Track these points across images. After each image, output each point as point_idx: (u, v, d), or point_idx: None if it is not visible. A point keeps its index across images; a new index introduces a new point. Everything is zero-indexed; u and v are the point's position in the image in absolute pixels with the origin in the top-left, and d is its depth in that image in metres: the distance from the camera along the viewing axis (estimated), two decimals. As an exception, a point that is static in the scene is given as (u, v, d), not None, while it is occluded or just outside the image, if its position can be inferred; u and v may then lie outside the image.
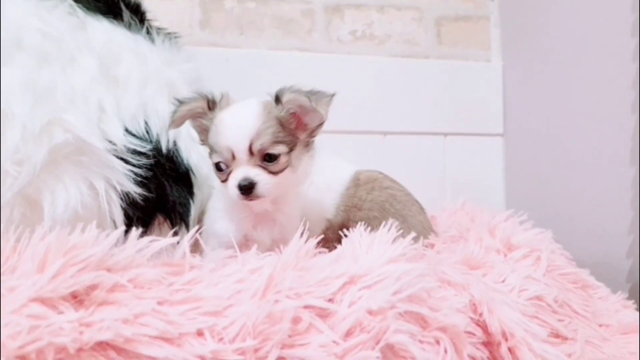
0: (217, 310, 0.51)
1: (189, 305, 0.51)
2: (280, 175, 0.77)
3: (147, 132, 0.85)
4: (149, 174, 0.81)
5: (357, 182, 0.97)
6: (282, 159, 0.76)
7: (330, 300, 0.53)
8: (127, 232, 0.64)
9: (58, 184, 0.68)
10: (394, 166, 1.63)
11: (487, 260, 0.75)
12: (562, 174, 1.50)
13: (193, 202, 0.89)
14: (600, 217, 1.35)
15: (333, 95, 0.79)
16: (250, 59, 1.54)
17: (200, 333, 0.49)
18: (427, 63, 1.70)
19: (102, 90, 0.82)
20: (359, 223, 0.74)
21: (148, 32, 1.04)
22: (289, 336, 0.49)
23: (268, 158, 0.75)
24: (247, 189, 0.74)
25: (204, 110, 0.81)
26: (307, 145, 0.83)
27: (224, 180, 0.77)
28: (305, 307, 0.52)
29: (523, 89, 1.69)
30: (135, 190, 0.77)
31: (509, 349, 0.59)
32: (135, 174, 0.78)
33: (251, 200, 0.75)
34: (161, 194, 0.84)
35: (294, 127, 0.79)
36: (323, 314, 0.52)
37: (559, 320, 0.69)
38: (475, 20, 1.75)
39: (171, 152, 0.88)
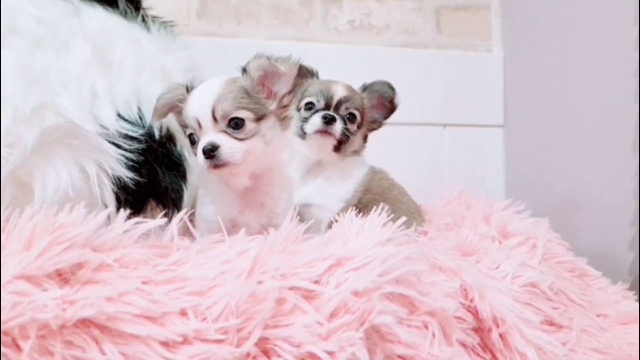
0: (201, 290, 0.50)
1: (173, 285, 0.51)
2: (247, 142, 0.76)
3: (140, 117, 0.85)
4: (141, 158, 0.80)
5: (374, 171, 1.08)
6: (249, 126, 0.77)
7: (316, 282, 0.53)
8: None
9: (49, 167, 0.68)
10: (392, 157, 1.61)
11: (481, 247, 0.74)
12: (563, 166, 1.48)
13: (186, 188, 0.89)
14: (602, 209, 1.34)
15: (298, 60, 0.83)
16: (247, 48, 1.51)
17: (183, 312, 0.48)
18: (426, 53, 1.69)
19: (95, 76, 0.82)
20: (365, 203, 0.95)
21: (144, 21, 1.03)
22: (273, 317, 0.49)
23: (233, 125, 0.76)
24: (210, 152, 0.74)
25: (184, 96, 0.81)
26: (283, 120, 0.83)
27: (196, 154, 0.78)
28: (291, 288, 0.52)
29: (524, 80, 1.67)
30: (127, 175, 0.77)
31: (500, 335, 0.59)
32: (127, 158, 0.77)
33: (219, 168, 0.75)
34: (153, 179, 0.83)
35: (263, 97, 0.80)
36: (309, 296, 0.52)
37: (554, 308, 0.68)
38: (475, 9, 1.73)
39: (164, 139, 0.88)
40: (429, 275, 0.61)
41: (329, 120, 0.97)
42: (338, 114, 0.99)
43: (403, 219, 0.65)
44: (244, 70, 0.82)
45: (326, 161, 1.03)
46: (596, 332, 0.69)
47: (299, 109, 1.02)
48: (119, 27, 0.95)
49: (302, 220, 0.98)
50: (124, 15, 1.00)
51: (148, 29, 1.03)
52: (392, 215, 0.67)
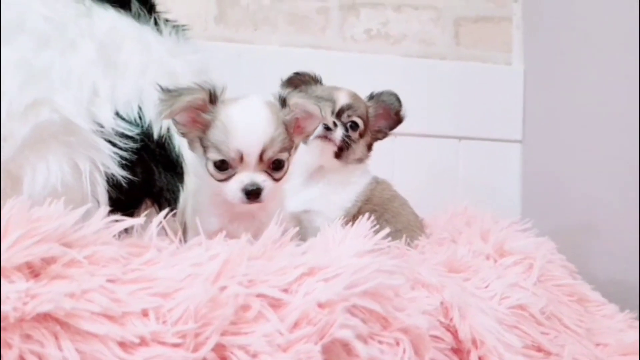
0: (167, 292, 0.50)
1: (139, 284, 0.50)
2: (281, 181, 0.77)
3: (140, 117, 0.86)
4: (137, 158, 0.80)
5: (377, 181, 1.07)
6: (285, 166, 0.77)
7: (285, 290, 0.51)
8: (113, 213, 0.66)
9: (40, 162, 0.69)
10: (405, 169, 1.61)
11: (473, 264, 0.71)
12: (582, 185, 1.42)
13: (182, 189, 0.89)
14: (620, 233, 1.28)
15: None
16: (263, 54, 1.54)
17: (145, 313, 0.48)
18: (444, 64, 1.66)
19: (98, 75, 0.83)
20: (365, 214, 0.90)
21: (156, 23, 1.05)
22: (235, 323, 0.48)
23: (275, 165, 0.75)
24: (255, 194, 0.73)
25: (205, 102, 0.77)
26: (297, 147, 0.83)
27: (223, 180, 0.76)
28: (259, 295, 0.51)
29: (544, 94, 1.62)
30: (120, 173, 0.77)
31: (479, 358, 0.56)
32: (122, 157, 0.78)
33: (251, 203, 0.74)
34: (149, 178, 0.84)
35: (292, 131, 0.79)
36: (276, 304, 0.51)
37: (544, 333, 0.65)
38: (496, 21, 1.70)
39: (163, 139, 0.88)
40: (409, 291, 0.59)
41: (328, 126, 0.96)
42: (340, 121, 0.99)
43: (387, 230, 0.63)
44: (284, 101, 0.78)
45: (327, 167, 1.02)
46: (589, 361, 0.65)
47: None
48: (128, 28, 0.96)
49: (301, 226, 0.98)
50: (137, 17, 1.01)
51: (160, 31, 1.05)
52: (377, 226, 0.65)
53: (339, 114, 0.99)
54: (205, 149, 0.78)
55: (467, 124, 1.67)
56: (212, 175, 0.78)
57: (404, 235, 0.93)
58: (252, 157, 0.73)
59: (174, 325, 0.46)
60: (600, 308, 0.85)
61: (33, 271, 0.51)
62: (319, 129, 0.95)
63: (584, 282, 0.91)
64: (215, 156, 0.75)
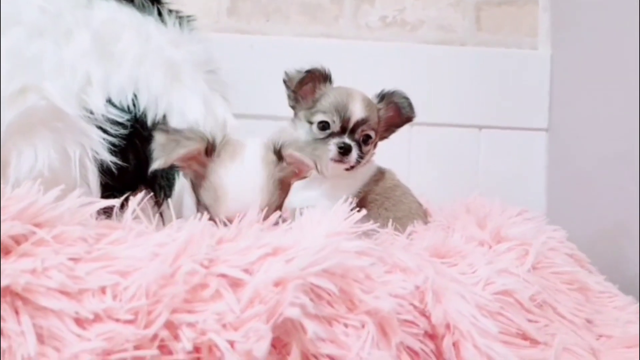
0: (126, 270, 0.50)
1: (100, 263, 0.50)
2: None
3: (134, 104, 0.87)
4: (128, 144, 0.82)
5: (382, 171, 1.03)
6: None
7: (245, 270, 0.50)
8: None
9: (28, 146, 0.71)
10: (421, 160, 1.57)
11: (462, 249, 0.68)
12: (611, 175, 1.34)
13: (178, 175, 0.90)
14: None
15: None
16: (275, 45, 1.54)
17: (103, 291, 0.48)
18: (464, 50, 1.60)
19: (91, 64, 0.85)
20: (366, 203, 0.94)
21: (160, 14, 1.06)
22: (189, 302, 0.47)
23: None
24: None
25: (200, 153, 0.74)
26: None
27: None
28: (220, 275, 0.50)
29: (573, 80, 1.53)
30: (111, 159, 0.79)
31: (453, 344, 0.53)
32: (112, 143, 0.79)
33: None
34: (143, 165, 0.85)
35: (288, 179, 0.77)
36: (237, 284, 0.50)
37: (532, 321, 0.61)
38: (521, 4, 1.62)
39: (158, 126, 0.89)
40: (383, 274, 0.57)
41: (345, 151, 0.91)
42: (354, 138, 0.93)
43: (364, 212, 0.61)
44: (279, 155, 0.74)
45: (335, 174, 0.96)
46: (583, 353, 0.60)
47: (310, 122, 0.95)
48: (128, 19, 0.98)
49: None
50: (141, 8, 1.03)
51: (164, 22, 1.06)
52: (356, 208, 0.63)
53: (352, 130, 0.93)
54: (197, 198, 0.76)
55: (489, 112, 1.60)
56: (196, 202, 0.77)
57: (404, 223, 0.91)
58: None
59: (127, 302, 0.46)
60: (612, 299, 0.80)
61: (4, 249, 0.52)
62: (333, 153, 0.90)
63: (596, 272, 0.86)
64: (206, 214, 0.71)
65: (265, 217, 0.65)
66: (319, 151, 0.74)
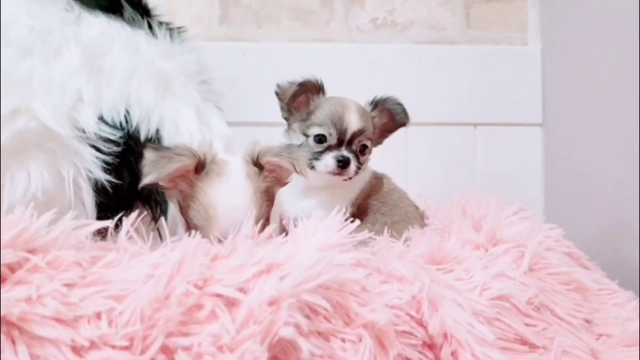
0: (121, 294, 0.50)
1: (95, 287, 0.50)
2: None
3: (127, 120, 0.87)
4: (122, 161, 0.82)
5: (378, 176, 1.02)
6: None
7: (241, 289, 0.50)
8: (104, 219, 0.67)
9: (20, 169, 0.71)
10: (418, 161, 1.57)
11: (459, 254, 0.68)
12: (608, 169, 1.34)
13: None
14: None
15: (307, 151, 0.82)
16: (268, 52, 1.54)
17: (98, 316, 0.48)
18: (455, 49, 1.60)
19: (82, 81, 0.85)
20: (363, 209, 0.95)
21: (150, 27, 1.06)
22: (185, 324, 0.47)
23: None
24: None
25: (190, 171, 0.74)
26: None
27: None
28: (215, 295, 0.50)
29: (565, 73, 1.53)
30: (105, 178, 0.79)
31: (451, 353, 0.53)
32: (105, 161, 0.79)
33: None
34: (137, 181, 0.85)
35: (272, 187, 0.77)
36: (232, 303, 0.50)
37: (530, 325, 0.61)
38: (509, 0, 1.62)
39: (152, 141, 0.89)
40: (379, 285, 0.57)
41: (344, 164, 0.90)
42: (351, 149, 0.92)
43: (357, 222, 0.61)
44: (259, 165, 0.76)
45: (332, 184, 0.96)
46: (583, 354, 0.60)
47: (305, 135, 0.94)
48: (118, 34, 0.98)
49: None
50: (131, 22, 1.03)
51: (154, 34, 1.06)
52: (349, 218, 0.63)
53: (349, 141, 0.92)
54: (186, 222, 0.76)
55: (483, 109, 1.60)
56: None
57: (400, 227, 0.91)
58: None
59: (123, 327, 0.46)
60: (611, 296, 0.80)
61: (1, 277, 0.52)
62: (332, 166, 0.90)
63: (595, 269, 0.86)
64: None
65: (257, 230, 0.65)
66: (296, 154, 0.74)
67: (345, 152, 0.91)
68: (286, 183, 0.80)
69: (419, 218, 0.98)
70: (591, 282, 0.74)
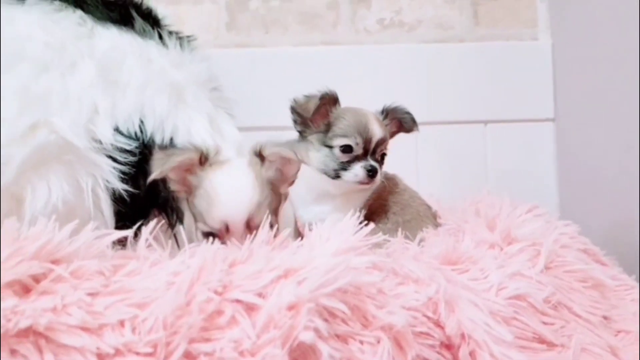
0: (143, 302, 0.51)
1: (118, 296, 0.52)
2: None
3: (142, 130, 0.89)
4: (138, 170, 0.83)
5: (389, 177, 1.03)
6: (274, 225, 0.74)
7: (259, 294, 0.51)
8: (122, 227, 0.69)
9: (41, 182, 0.73)
10: (429, 160, 1.57)
11: (472, 254, 0.68)
12: (623, 162, 1.33)
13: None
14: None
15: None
16: (276, 56, 1.55)
17: (122, 324, 0.49)
18: (463, 47, 1.60)
19: (97, 94, 0.86)
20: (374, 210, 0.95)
21: (160, 37, 1.08)
22: (207, 330, 0.48)
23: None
24: None
25: (194, 164, 0.77)
26: (285, 197, 0.83)
27: None
28: (234, 301, 0.51)
29: (576, 67, 1.52)
30: (122, 187, 0.80)
31: (470, 354, 0.53)
32: (122, 171, 0.81)
33: None
34: (153, 190, 0.87)
35: (277, 183, 0.78)
36: (252, 308, 0.51)
37: (548, 324, 0.61)
38: (518, -5, 1.61)
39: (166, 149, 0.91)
40: (395, 287, 0.57)
41: (374, 174, 0.92)
42: (375, 158, 0.94)
43: (372, 225, 0.62)
44: (261, 155, 0.78)
45: (348, 189, 0.96)
46: (602, 352, 0.60)
47: (328, 146, 0.94)
48: (130, 45, 0.99)
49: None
50: (142, 33, 1.05)
51: (165, 44, 1.08)
52: (364, 221, 0.64)
53: (374, 151, 0.94)
54: (193, 215, 0.78)
55: (493, 106, 1.60)
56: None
57: (413, 226, 0.91)
58: (237, 227, 0.71)
59: (146, 334, 0.47)
60: (629, 292, 0.79)
61: (24, 288, 0.54)
62: (362, 176, 0.91)
63: (612, 265, 0.85)
64: (202, 227, 0.74)
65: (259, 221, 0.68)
66: (296, 147, 0.76)
67: (372, 162, 0.92)
68: (292, 182, 0.81)
69: (431, 217, 0.98)
70: (608, 278, 0.73)
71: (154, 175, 0.74)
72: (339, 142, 0.93)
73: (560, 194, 1.59)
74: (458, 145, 1.58)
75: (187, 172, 0.77)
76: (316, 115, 0.96)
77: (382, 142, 0.95)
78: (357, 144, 0.92)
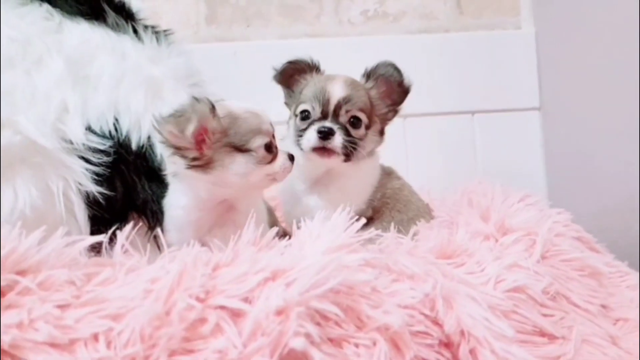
0: (118, 313, 0.47)
1: (90, 307, 0.48)
2: None
3: (116, 129, 0.84)
4: (114, 171, 0.79)
5: (388, 171, 0.98)
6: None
7: (245, 299, 0.48)
8: (98, 232, 0.65)
9: (6, 187, 0.68)
10: (418, 152, 1.54)
11: (469, 247, 0.65)
12: (609, 150, 1.32)
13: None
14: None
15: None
16: (258, 50, 1.51)
17: (96, 338, 0.45)
18: (448, 37, 1.58)
19: (67, 90, 0.82)
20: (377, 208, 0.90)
21: (135, 32, 1.03)
22: (189, 340, 0.44)
23: None
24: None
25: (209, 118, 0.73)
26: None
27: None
28: (218, 307, 0.47)
29: (560, 55, 1.51)
30: (97, 189, 0.76)
31: (470, 351, 0.50)
32: (97, 173, 0.76)
33: None
34: (131, 191, 0.82)
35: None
36: (237, 314, 0.47)
37: (547, 316, 0.58)
38: (500, -16, 1.59)
39: (143, 148, 0.86)
40: (390, 284, 0.54)
41: (325, 135, 0.82)
42: (338, 121, 0.84)
43: (363, 220, 0.58)
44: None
45: (336, 170, 0.88)
46: (602, 342, 0.58)
47: (296, 115, 0.89)
48: (102, 40, 0.94)
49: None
50: (115, 27, 1.00)
51: (140, 39, 1.03)
52: (354, 217, 0.60)
53: (335, 112, 0.84)
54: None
55: (479, 96, 1.58)
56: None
57: (415, 222, 0.87)
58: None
59: (122, 349, 0.44)
60: (624, 278, 0.77)
61: (-10, 301, 0.50)
62: (314, 140, 0.82)
63: (605, 253, 0.83)
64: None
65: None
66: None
67: (327, 123, 0.83)
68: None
69: (429, 212, 0.95)
70: (603, 265, 0.71)
71: (193, 126, 0.70)
72: (300, 108, 0.87)
73: (548, 182, 1.58)
74: (446, 136, 1.56)
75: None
76: (287, 81, 0.94)
77: (346, 102, 0.84)
78: (313, 107, 0.85)
